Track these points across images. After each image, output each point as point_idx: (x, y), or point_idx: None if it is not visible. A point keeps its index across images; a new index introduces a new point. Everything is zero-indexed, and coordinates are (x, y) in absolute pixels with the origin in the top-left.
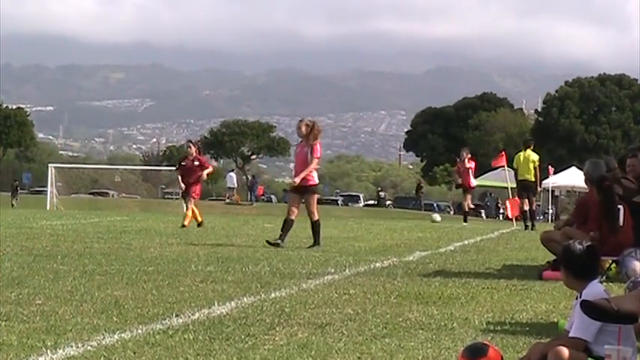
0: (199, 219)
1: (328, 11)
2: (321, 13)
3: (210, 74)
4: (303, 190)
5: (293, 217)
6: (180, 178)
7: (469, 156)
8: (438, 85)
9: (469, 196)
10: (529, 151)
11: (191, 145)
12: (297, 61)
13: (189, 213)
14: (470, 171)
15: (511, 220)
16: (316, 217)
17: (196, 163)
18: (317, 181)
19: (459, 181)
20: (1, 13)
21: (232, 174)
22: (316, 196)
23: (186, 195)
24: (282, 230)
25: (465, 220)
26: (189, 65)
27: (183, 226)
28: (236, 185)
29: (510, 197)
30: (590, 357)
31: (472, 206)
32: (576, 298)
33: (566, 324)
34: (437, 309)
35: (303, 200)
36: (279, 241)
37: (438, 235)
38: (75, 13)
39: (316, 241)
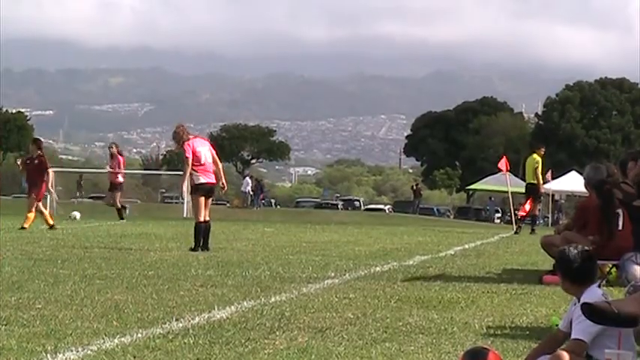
0: (27, 223)
1: (328, 15)
2: (321, 16)
3: (210, 78)
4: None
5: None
6: (25, 177)
7: (112, 151)
8: (438, 89)
9: (118, 193)
10: (533, 155)
11: (33, 144)
12: (297, 65)
13: (46, 213)
14: (114, 166)
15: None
16: (198, 219)
17: (36, 162)
18: (198, 181)
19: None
20: (1, 18)
21: (248, 179)
22: (199, 197)
23: (34, 195)
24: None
25: (122, 218)
26: (189, 69)
27: (23, 228)
28: (248, 190)
29: (510, 201)
30: None
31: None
32: (574, 304)
33: (560, 323)
34: (437, 313)
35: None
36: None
37: (438, 240)
38: (75, 18)
39: (195, 246)
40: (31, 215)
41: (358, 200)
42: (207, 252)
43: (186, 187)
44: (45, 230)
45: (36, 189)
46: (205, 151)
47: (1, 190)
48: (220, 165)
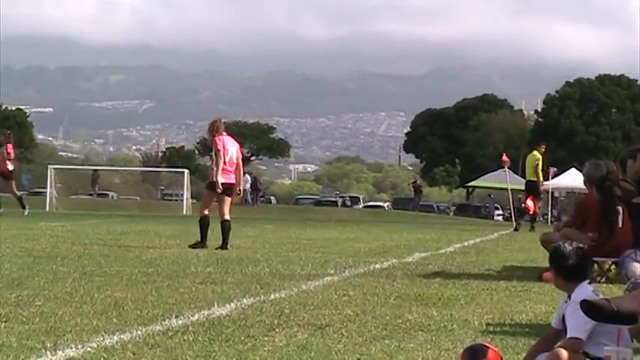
0: None
1: (327, 13)
2: (321, 14)
3: (210, 76)
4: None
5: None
6: None
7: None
8: (437, 86)
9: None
10: (534, 152)
11: None
12: (297, 62)
13: None
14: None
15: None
16: (202, 213)
17: None
18: (217, 180)
19: None
20: (1, 15)
21: (247, 176)
22: (213, 194)
23: None
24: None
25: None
26: (189, 67)
27: None
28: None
29: (510, 198)
30: (587, 358)
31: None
32: (565, 301)
33: (553, 321)
34: (436, 310)
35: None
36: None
37: (438, 237)
38: (75, 15)
39: (201, 240)
40: None
41: (358, 197)
42: (225, 251)
43: (219, 179)
44: (44, 227)
45: None
46: (233, 151)
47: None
48: (242, 169)
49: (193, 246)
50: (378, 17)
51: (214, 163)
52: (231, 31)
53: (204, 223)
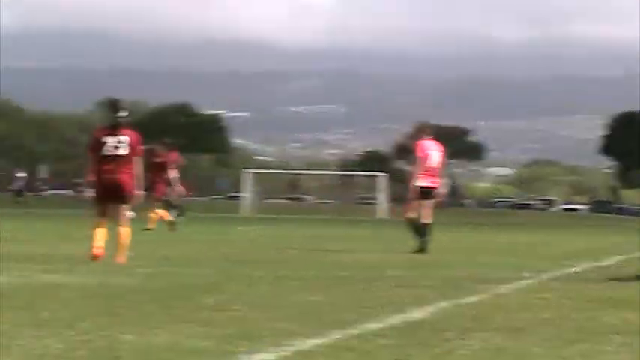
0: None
1: (521, 15)
2: (514, 17)
3: (404, 79)
4: None
5: (415, 217)
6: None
7: None
8: (632, 88)
9: None
10: None
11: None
12: (491, 65)
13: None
14: None
15: None
16: (406, 216)
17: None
18: (417, 182)
19: None
20: (193, 20)
21: (445, 180)
22: (420, 198)
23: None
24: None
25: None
26: (383, 70)
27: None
28: None
29: None
30: None
31: None
32: None
33: None
34: (633, 313)
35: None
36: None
37: (636, 240)
38: (268, 19)
39: (419, 242)
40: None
41: (554, 200)
42: (423, 254)
43: (419, 183)
44: (241, 232)
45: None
46: (436, 155)
47: (197, 191)
48: (442, 173)
49: (418, 251)
50: (571, 19)
51: (415, 167)
52: (425, 34)
53: (413, 226)
